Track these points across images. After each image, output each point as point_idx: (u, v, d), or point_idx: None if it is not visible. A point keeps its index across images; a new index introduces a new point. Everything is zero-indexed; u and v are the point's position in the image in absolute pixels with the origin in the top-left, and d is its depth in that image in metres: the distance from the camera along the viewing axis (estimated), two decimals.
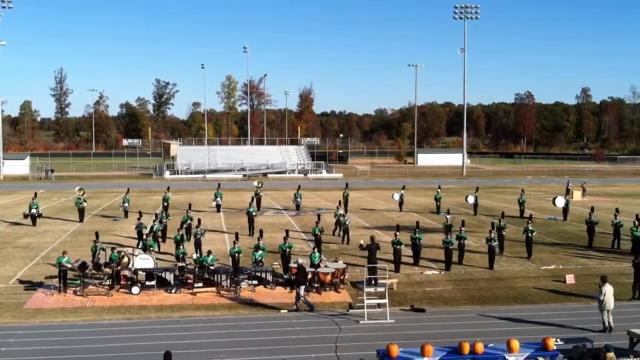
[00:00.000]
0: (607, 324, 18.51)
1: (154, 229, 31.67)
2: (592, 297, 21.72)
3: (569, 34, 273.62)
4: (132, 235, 33.05)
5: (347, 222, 33.53)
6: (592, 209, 33.78)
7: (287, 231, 27.77)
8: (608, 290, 18.74)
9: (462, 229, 28.55)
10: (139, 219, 32.07)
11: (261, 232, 27.48)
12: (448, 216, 33.41)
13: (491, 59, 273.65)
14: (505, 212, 34.91)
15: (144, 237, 29.01)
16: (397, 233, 26.77)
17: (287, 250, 25.78)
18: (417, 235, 27.71)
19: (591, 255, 29.75)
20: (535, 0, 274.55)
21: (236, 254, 24.95)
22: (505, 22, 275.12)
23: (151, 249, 25.90)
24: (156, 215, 34.17)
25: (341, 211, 36.03)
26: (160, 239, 31.40)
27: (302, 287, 21.21)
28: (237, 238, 26.03)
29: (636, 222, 29.42)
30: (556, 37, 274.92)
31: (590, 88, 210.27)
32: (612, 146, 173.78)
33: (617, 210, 32.94)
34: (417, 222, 29.79)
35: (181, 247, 26.00)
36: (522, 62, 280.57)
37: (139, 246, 26.77)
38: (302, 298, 21.03)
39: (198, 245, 28.63)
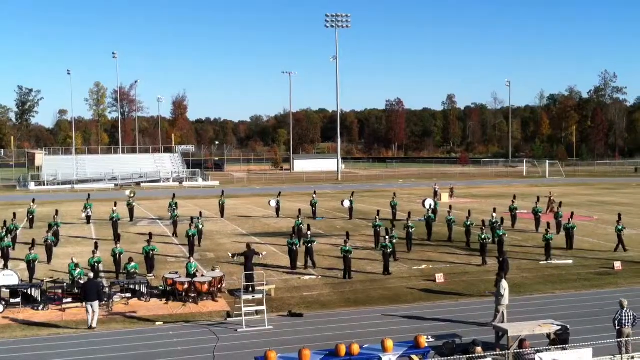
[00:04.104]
0: (504, 318, 19.04)
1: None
2: (487, 294, 22.58)
3: (434, 44, 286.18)
4: None
5: (200, 226, 33.76)
6: (450, 207, 38.23)
7: (150, 234, 28.61)
8: (505, 286, 19.55)
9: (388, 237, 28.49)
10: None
11: (119, 236, 28.88)
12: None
13: (363, 67, 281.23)
14: (378, 217, 35.73)
15: None
16: (347, 240, 26.75)
17: (151, 252, 26.62)
18: (294, 240, 28.17)
19: (458, 254, 31.14)
20: (402, 12, 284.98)
21: (96, 264, 24.53)
22: (375, 31, 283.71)
23: None
24: (5, 222, 32.97)
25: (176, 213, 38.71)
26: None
27: (94, 303, 19.82)
28: (96, 247, 26.08)
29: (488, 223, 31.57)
30: (423, 46, 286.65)
31: (455, 94, 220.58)
32: (476, 150, 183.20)
33: (450, 207, 37.97)
34: (294, 228, 30.01)
35: (32, 251, 25.69)
36: (391, 70, 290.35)
37: None
38: (90, 314, 19.86)
39: (49, 251, 29.02)
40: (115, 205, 39.21)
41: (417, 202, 51.78)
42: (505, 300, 19.27)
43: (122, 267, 25.92)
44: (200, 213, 37.65)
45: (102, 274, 25.97)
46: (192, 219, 33.32)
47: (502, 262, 23.15)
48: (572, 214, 33.80)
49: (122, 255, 26.45)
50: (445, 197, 55.26)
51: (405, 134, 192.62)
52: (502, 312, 19.21)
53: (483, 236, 28.54)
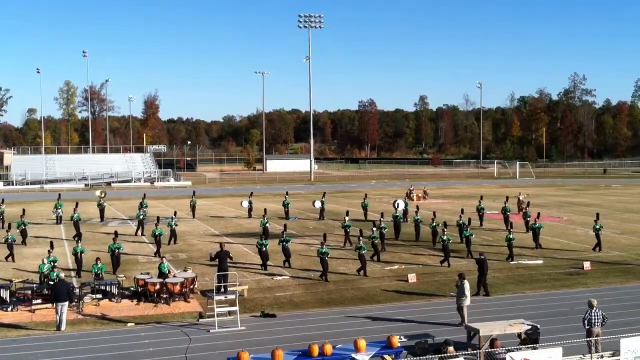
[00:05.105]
0: (465, 318, 19.20)
1: None
2: (451, 295, 22.71)
3: (406, 46, 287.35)
4: None
5: (173, 225, 34.08)
6: (417, 207, 39.14)
7: (116, 232, 28.68)
8: (468, 286, 19.68)
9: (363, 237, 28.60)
10: None
11: (80, 235, 29.97)
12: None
13: (336, 67, 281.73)
14: (349, 217, 35.81)
15: None
16: (324, 242, 26.93)
17: (116, 250, 26.79)
18: (263, 240, 28.43)
19: (430, 254, 31.31)
20: (375, 13, 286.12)
21: (52, 263, 24.47)
22: (348, 32, 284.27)
23: None
24: None
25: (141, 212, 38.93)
26: None
27: (64, 304, 19.57)
28: (52, 247, 26.25)
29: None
30: (395, 47, 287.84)
31: (427, 96, 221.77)
32: (448, 151, 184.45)
33: (417, 207, 40.10)
34: (264, 229, 29.94)
35: None
36: (364, 71, 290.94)
37: None
38: (59, 316, 19.54)
39: (10, 250, 29.26)
40: (77, 206, 39.11)
41: (389, 202, 52.00)
42: (467, 301, 19.48)
43: (82, 265, 26.57)
44: (175, 212, 37.43)
45: (62, 274, 25.74)
46: (158, 218, 33.27)
47: (481, 262, 23.18)
48: (539, 214, 34.30)
49: (83, 254, 26.82)
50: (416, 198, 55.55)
51: (378, 135, 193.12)
52: (465, 313, 19.43)
53: (444, 237, 28.59)
